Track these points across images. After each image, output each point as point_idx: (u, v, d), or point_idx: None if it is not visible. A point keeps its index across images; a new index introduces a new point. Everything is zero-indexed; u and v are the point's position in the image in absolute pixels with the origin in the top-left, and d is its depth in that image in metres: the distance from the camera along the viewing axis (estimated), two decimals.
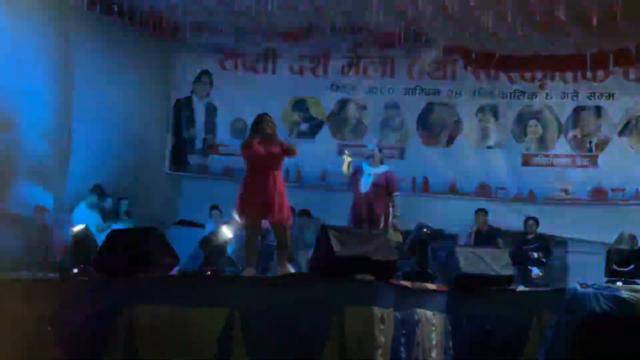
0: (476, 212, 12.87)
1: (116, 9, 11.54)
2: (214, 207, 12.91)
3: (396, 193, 10.66)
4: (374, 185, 10.66)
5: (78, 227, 9.96)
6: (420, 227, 10.57)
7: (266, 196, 8.32)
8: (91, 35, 12.33)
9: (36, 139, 11.00)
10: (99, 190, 11.83)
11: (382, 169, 10.87)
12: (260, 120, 8.70)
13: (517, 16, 10.78)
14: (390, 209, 10.66)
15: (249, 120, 14.09)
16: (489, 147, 13.97)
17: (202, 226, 13.24)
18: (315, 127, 14.56)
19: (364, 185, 10.76)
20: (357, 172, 10.89)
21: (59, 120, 11.58)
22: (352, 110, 14.48)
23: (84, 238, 9.21)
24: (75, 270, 8.09)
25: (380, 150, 11.13)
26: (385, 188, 10.62)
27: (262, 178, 8.37)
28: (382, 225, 10.56)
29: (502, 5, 10.25)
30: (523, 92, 13.73)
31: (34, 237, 10.82)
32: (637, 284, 9.63)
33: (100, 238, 8.36)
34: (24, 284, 7.83)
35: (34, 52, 11.01)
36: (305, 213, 13.01)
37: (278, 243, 8.67)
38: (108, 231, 9.13)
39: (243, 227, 8.88)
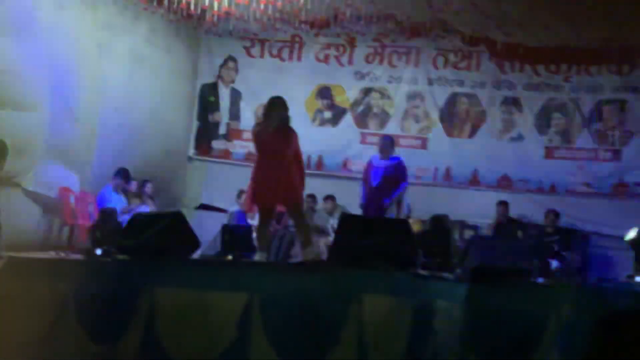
0: (497, 204, 12.89)
1: None
2: (242, 192, 13.01)
3: (404, 184, 10.69)
4: (384, 177, 10.70)
5: (102, 209, 10.09)
6: (440, 217, 10.60)
7: (274, 180, 8.28)
8: (119, 19, 12.40)
9: (63, 120, 11.07)
10: (124, 173, 11.93)
11: (394, 160, 10.89)
12: (271, 104, 8.68)
13: (543, 8, 10.73)
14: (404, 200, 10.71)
15: None
16: (512, 139, 13.95)
17: (224, 211, 13.34)
18: (338, 115, 14.60)
19: (374, 177, 10.81)
20: (369, 164, 10.94)
21: (87, 102, 11.66)
22: (375, 99, 14.50)
23: (108, 220, 9.31)
24: (99, 252, 8.17)
25: (392, 142, 11.15)
26: (395, 179, 10.64)
27: (268, 162, 8.34)
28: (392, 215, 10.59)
29: None
30: (547, 85, 13.69)
31: (58, 218, 10.96)
32: None
33: (124, 220, 8.44)
34: (48, 263, 7.94)
35: (64, 35, 11.07)
36: (331, 198, 13.08)
37: (295, 227, 8.68)
38: (132, 214, 9.26)
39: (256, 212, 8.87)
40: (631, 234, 9.05)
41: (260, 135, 8.51)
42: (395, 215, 10.57)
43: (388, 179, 10.67)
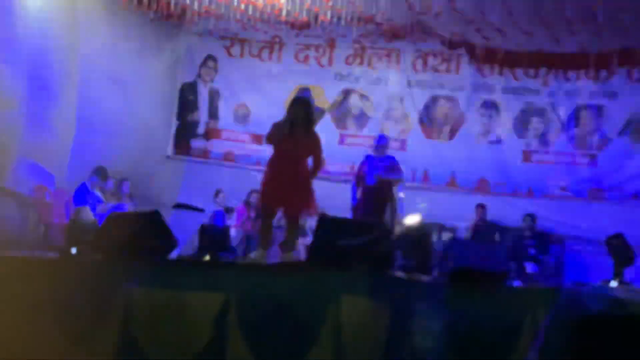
0: (475, 206, 12.93)
1: None
2: (219, 192, 12.98)
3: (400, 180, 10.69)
4: (380, 176, 10.71)
5: (78, 208, 10.01)
6: (418, 219, 10.63)
7: (287, 185, 8.02)
8: (99, 18, 12.32)
9: (40, 117, 11.01)
10: (101, 172, 11.85)
11: (388, 158, 10.91)
12: (295, 104, 8.17)
13: (523, 13, 10.78)
14: (398, 197, 10.71)
15: (252, 107, 14.44)
16: (490, 142, 13.99)
17: (201, 210, 13.30)
18: (317, 116, 14.55)
19: (369, 177, 10.80)
20: (363, 165, 10.93)
21: (64, 99, 11.58)
22: (355, 101, 14.50)
23: (84, 218, 9.24)
24: (74, 250, 8.11)
25: (387, 142, 11.17)
26: (390, 178, 10.65)
27: (284, 165, 8.02)
28: (387, 215, 10.59)
29: (508, 2, 10.24)
30: (526, 89, 13.75)
31: (33, 216, 10.86)
32: (632, 284, 9.71)
33: (101, 219, 8.39)
34: (23, 261, 7.86)
35: (40, 32, 10.99)
36: None
37: (286, 230, 8.49)
38: (108, 212, 9.21)
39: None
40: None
41: (281, 134, 8.04)
42: (391, 216, 10.50)
43: (384, 178, 10.68)
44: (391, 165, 10.83)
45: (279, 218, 9.54)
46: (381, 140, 11.23)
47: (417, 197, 13.39)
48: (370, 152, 11.29)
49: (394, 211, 10.74)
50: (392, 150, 13.93)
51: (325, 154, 13.43)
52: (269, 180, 8.17)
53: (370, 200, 10.74)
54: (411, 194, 13.51)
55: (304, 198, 8.18)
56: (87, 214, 9.37)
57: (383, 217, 10.66)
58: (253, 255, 8.36)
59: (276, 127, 8.11)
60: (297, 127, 7.99)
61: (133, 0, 12.02)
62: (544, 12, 10.70)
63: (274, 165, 8.15)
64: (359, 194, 10.89)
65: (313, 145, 8.14)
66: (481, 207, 12.91)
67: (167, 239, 7.65)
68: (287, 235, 8.45)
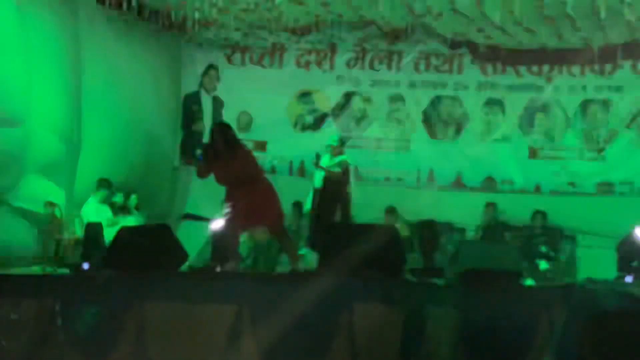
0: (485, 205, 12.90)
1: (125, 4, 11.52)
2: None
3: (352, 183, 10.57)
4: (328, 177, 10.67)
5: (88, 223, 10.01)
6: (428, 221, 10.60)
7: (246, 210, 8.18)
8: (101, 30, 12.33)
9: (46, 134, 11.01)
10: (107, 185, 11.86)
11: (339, 160, 10.85)
12: (216, 132, 8.45)
13: (525, 10, 10.76)
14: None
15: (255, 114, 14.45)
16: (496, 140, 13.97)
17: (210, 220, 13.27)
18: (319, 120, 14.58)
19: (317, 178, 10.81)
20: (315, 165, 10.93)
21: (69, 115, 11.59)
22: (357, 103, 14.50)
23: (95, 233, 9.24)
24: (86, 266, 8.11)
25: (342, 142, 11.11)
26: (341, 180, 10.56)
27: (238, 192, 8.23)
28: (338, 217, 10.51)
29: (509, 0, 10.24)
30: (530, 86, 13.72)
31: (44, 232, 10.88)
32: None
33: (111, 233, 8.39)
34: (34, 278, 7.88)
35: (44, 47, 11.01)
36: None
37: (280, 242, 8.53)
38: (118, 226, 9.20)
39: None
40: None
41: (214, 166, 8.32)
42: (342, 216, 10.40)
43: (333, 179, 10.64)
44: (341, 165, 10.77)
45: None
46: (333, 140, 11.28)
47: (422, 197, 13.42)
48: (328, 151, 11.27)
49: (346, 211, 10.66)
50: (397, 151, 14.10)
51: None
52: (230, 207, 8.33)
53: (322, 200, 10.74)
54: (417, 195, 13.59)
55: (267, 213, 8.29)
56: (98, 229, 9.36)
57: (333, 217, 10.63)
58: (226, 267, 8.37)
59: (202, 162, 8.45)
60: (222, 153, 8.25)
61: (134, 12, 12.02)
62: (546, 9, 10.67)
63: (228, 198, 8.36)
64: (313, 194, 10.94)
65: (244, 161, 8.34)
66: (491, 205, 12.86)
67: (178, 252, 7.68)
68: (283, 248, 8.53)
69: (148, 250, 7.31)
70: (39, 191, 10.97)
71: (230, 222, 8.41)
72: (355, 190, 10.93)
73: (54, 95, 11.21)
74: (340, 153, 11.25)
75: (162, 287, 7.11)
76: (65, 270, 8.60)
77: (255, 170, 8.42)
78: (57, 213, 11.01)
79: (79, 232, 10.93)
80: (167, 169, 14.41)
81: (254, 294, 6.90)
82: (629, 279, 8.37)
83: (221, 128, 8.53)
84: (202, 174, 8.55)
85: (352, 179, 10.79)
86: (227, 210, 8.41)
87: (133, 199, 12.49)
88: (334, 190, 10.81)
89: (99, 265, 7.79)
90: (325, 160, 11.10)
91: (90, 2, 11.61)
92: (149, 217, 12.37)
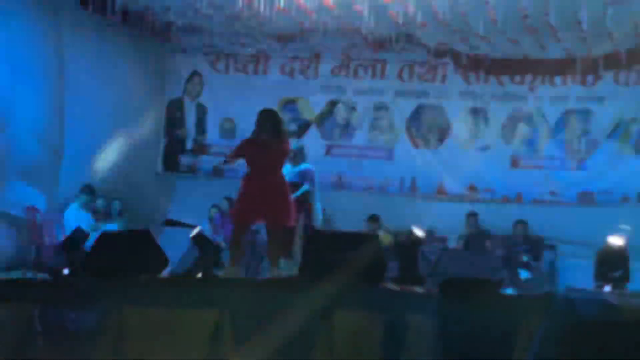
0: (467, 215, 12.93)
1: (109, 9, 11.49)
2: (214, 206, 12.95)
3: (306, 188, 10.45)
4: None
5: (70, 228, 10.00)
6: (409, 229, 10.60)
7: (265, 199, 8.08)
8: (84, 35, 12.32)
9: (28, 139, 11.00)
10: (89, 190, 11.82)
11: (301, 167, 10.82)
12: (265, 117, 8.28)
13: (508, 20, 10.82)
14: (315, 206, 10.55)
15: (239, 121, 14.42)
16: (478, 149, 14.01)
17: (193, 226, 13.25)
18: (303, 128, 14.58)
19: None
20: None
21: (52, 120, 11.58)
22: (341, 111, 14.52)
23: (76, 239, 9.23)
24: (66, 271, 8.09)
25: (300, 150, 11.05)
26: (298, 186, 10.48)
27: (261, 178, 8.10)
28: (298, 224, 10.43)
29: (492, 10, 10.28)
30: (513, 95, 13.78)
31: (25, 237, 10.85)
32: (625, 289, 9.72)
33: (92, 239, 8.37)
34: (14, 283, 7.84)
35: (27, 52, 10.99)
36: None
37: (271, 243, 8.46)
38: (100, 231, 9.18)
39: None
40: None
41: (254, 148, 8.18)
42: (304, 223, 10.35)
43: (293, 187, 10.57)
44: (302, 174, 10.72)
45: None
46: (293, 150, 11.22)
47: (405, 206, 13.45)
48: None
49: (308, 220, 10.59)
50: (380, 160, 14.12)
51: (312, 165, 13.63)
52: (246, 194, 8.22)
53: None
54: (400, 203, 13.61)
55: (284, 209, 8.22)
56: (79, 235, 9.35)
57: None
58: (226, 272, 8.30)
59: (246, 142, 8.25)
60: (267, 139, 8.09)
61: (119, 17, 11.99)
62: (529, 20, 10.74)
63: (251, 180, 8.19)
64: None
65: (284, 151, 8.26)
66: (473, 215, 12.91)
67: (159, 258, 7.65)
68: (270, 250, 8.44)
69: (128, 256, 7.28)
70: (21, 196, 10.93)
71: (238, 212, 8.31)
72: (318, 199, 10.83)
73: (36, 100, 11.18)
74: (301, 162, 11.08)
75: (142, 292, 7.08)
76: (46, 275, 8.57)
77: (284, 163, 8.39)
78: (38, 218, 10.98)
79: (60, 238, 10.89)
80: (150, 175, 14.38)
81: (235, 300, 6.89)
82: (607, 288, 8.42)
83: (270, 113, 8.43)
84: (231, 158, 8.43)
85: (315, 188, 10.67)
86: (239, 197, 8.29)
87: (116, 204, 12.47)
88: (297, 199, 10.73)
89: (80, 270, 7.75)
90: (286, 170, 10.96)
91: (74, 7, 11.57)
92: (131, 222, 12.34)
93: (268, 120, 8.25)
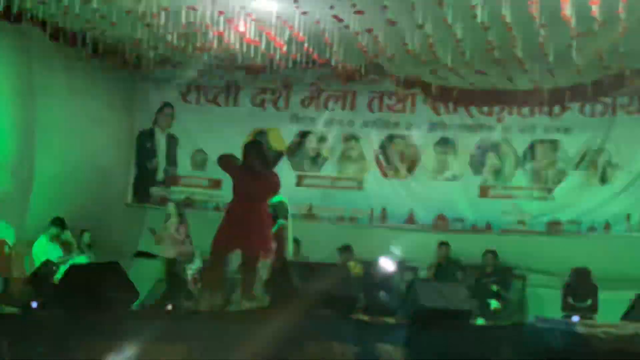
0: (438, 245, 12.97)
1: (80, 41, 11.51)
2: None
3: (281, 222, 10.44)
4: None
5: (38, 261, 9.92)
6: (380, 259, 10.62)
7: (249, 227, 8.11)
8: (54, 67, 12.30)
9: None
10: (58, 222, 11.75)
11: (273, 200, 10.81)
12: (254, 150, 8.42)
13: (476, 53, 10.96)
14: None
15: (210, 152, 14.41)
16: (447, 179, 14.08)
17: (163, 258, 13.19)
18: (275, 159, 14.59)
19: None
20: None
21: (21, 152, 11.52)
22: (311, 142, 14.57)
23: (44, 272, 9.16)
24: (35, 305, 8.02)
25: None
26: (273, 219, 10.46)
27: (247, 208, 8.15)
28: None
29: (460, 42, 10.41)
30: (481, 126, 13.89)
31: None
32: (593, 319, 9.80)
33: (61, 271, 8.33)
34: None
35: None
36: None
37: (246, 274, 8.42)
38: (69, 264, 9.12)
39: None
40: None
41: (244, 175, 8.25)
42: (278, 256, 10.31)
43: None
44: (276, 207, 10.71)
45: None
46: None
47: (375, 236, 13.47)
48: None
49: (280, 252, 10.57)
50: (351, 190, 14.16)
51: (283, 195, 13.59)
52: (228, 222, 8.23)
53: None
54: (370, 233, 13.64)
55: (263, 239, 8.24)
56: (47, 267, 9.28)
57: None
58: (204, 304, 8.27)
59: (237, 166, 8.32)
60: (258, 170, 8.15)
61: (89, 49, 12.00)
62: (497, 52, 10.88)
63: (235, 208, 8.22)
64: None
65: (275, 185, 8.26)
66: (444, 245, 12.95)
67: (129, 290, 7.62)
68: (245, 280, 8.42)
69: (98, 288, 7.25)
70: None
71: (218, 239, 8.29)
72: (290, 230, 10.80)
73: (4, 131, 11.13)
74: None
75: (112, 325, 7.05)
76: (14, 309, 8.49)
77: (272, 194, 8.41)
78: (7, 250, 10.90)
79: (29, 270, 10.81)
80: (120, 207, 14.33)
81: (205, 332, 6.87)
82: (575, 318, 8.48)
83: (256, 145, 8.48)
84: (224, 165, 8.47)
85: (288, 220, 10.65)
86: (221, 224, 8.28)
87: (86, 236, 12.39)
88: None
89: (49, 303, 7.70)
90: None
91: (43, 39, 11.54)
92: (101, 255, 12.26)
93: (258, 152, 8.39)
